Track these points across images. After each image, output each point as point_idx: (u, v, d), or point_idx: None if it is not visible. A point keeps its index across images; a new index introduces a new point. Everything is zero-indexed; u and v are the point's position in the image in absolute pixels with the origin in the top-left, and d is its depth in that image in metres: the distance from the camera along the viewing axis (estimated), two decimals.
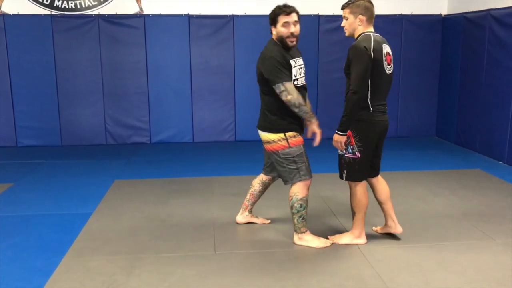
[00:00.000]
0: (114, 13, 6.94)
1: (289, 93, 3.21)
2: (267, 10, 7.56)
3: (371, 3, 3.27)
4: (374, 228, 3.78)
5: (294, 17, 3.28)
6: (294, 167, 3.38)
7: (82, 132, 7.13)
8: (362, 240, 3.52)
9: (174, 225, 3.96)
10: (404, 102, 7.46)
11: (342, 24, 3.33)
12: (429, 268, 3.16)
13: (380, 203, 3.58)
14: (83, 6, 6.91)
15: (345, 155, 3.32)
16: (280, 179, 3.63)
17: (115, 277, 3.07)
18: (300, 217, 3.45)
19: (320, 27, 7.13)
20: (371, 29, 3.28)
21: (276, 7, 3.33)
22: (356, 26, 3.26)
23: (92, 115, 7.11)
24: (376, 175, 3.51)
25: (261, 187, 3.82)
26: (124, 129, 7.20)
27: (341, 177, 3.42)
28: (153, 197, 4.68)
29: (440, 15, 7.35)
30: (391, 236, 3.66)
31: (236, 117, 7.27)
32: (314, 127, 3.43)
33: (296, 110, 3.26)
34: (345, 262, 3.26)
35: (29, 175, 5.53)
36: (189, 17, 6.98)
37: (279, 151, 3.37)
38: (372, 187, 3.55)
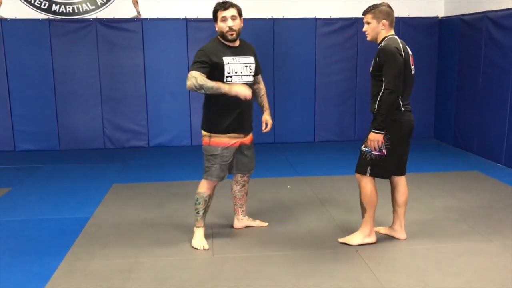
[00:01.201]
0: (112, 17, 6.95)
1: (188, 79, 3.26)
2: (263, 14, 7.57)
3: (391, 8, 3.37)
4: (375, 228, 3.79)
5: (231, 11, 3.37)
6: (206, 165, 3.51)
7: (80, 136, 7.13)
8: (372, 238, 3.53)
9: (172, 228, 3.96)
10: None
11: (364, 29, 3.41)
12: (427, 270, 3.17)
13: (396, 205, 3.60)
14: (81, 10, 6.92)
15: (372, 152, 3.35)
16: (250, 176, 3.81)
17: (113, 281, 3.07)
18: (195, 210, 3.60)
19: (317, 30, 7.15)
20: (392, 32, 3.38)
21: (216, 3, 3.45)
22: (379, 30, 3.35)
23: (90, 119, 7.11)
24: (402, 173, 3.55)
25: (238, 186, 3.81)
26: (122, 133, 7.20)
27: (363, 173, 3.42)
28: (151, 200, 4.68)
29: (437, 17, 7.37)
30: (390, 238, 3.66)
31: None
32: (266, 117, 3.71)
33: (202, 91, 3.28)
34: (343, 264, 3.26)
35: (27, 179, 5.53)
36: (186, 20, 7.00)
37: (203, 146, 3.52)
38: (395, 186, 3.58)
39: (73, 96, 7.03)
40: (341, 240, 3.60)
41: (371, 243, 3.52)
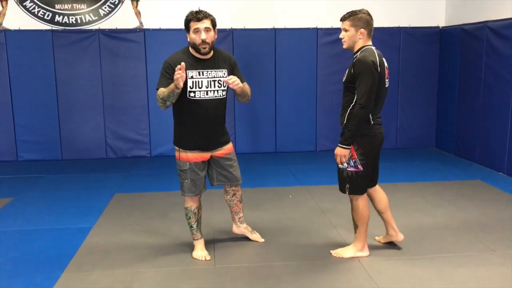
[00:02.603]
0: (114, 27, 6.99)
1: (157, 99, 3.24)
2: (265, 24, 7.59)
3: (371, 16, 3.25)
4: (376, 238, 3.79)
5: (205, 23, 3.22)
6: (179, 180, 3.48)
7: (82, 146, 7.15)
8: (365, 252, 3.51)
9: (174, 238, 3.96)
10: (403, 114, 7.48)
11: (341, 36, 3.29)
12: (429, 280, 3.16)
13: (379, 212, 3.58)
14: (84, 21, 6.97)
15: (347, 169, 3.30)
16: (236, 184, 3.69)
17: None
18: (189, 225, 3.57)
19: (318, 40, 7.19)
20: (370, 42, 3.28)
21: (189, 12, 3.27)
22: (356, 39, 3.23)
23: (92, 128, 7.13)
24: (373, 185, 3.53)
25: (228, 196, 3.76)
26: (124, 142, 7.22)
27: (343, 191, 3.39)
28: (153, 210, 4.69)
29: (438, 27, 7.40)
30: (392, 247, 3.66)
31: (236, 129, 7.29)
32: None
33: (168, 103, 3.20)
34: (345, 275, 3.26)
35: (29, 189, 5.54)
36: None
37: (176, 161, 3.47)
38: (370, 197, 3.55)
39: (75, 106, 7.06)
40: (334, 253, 3.55)
41: (365, 257, 3.50)
